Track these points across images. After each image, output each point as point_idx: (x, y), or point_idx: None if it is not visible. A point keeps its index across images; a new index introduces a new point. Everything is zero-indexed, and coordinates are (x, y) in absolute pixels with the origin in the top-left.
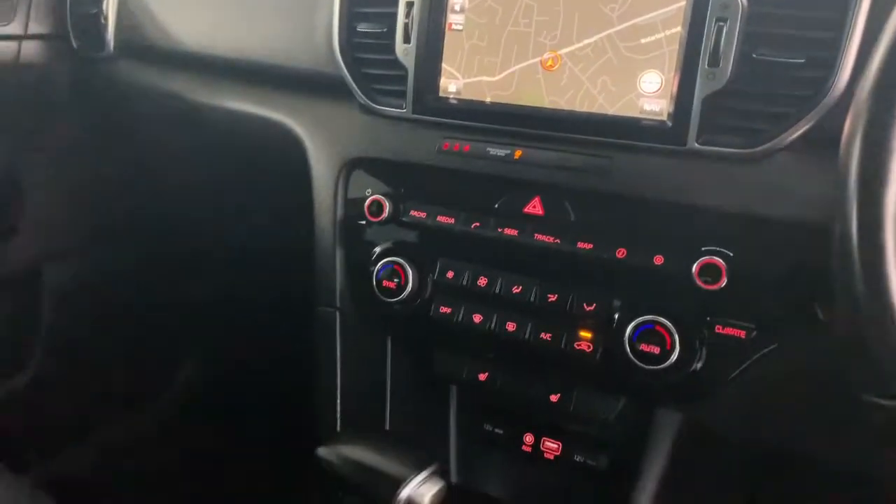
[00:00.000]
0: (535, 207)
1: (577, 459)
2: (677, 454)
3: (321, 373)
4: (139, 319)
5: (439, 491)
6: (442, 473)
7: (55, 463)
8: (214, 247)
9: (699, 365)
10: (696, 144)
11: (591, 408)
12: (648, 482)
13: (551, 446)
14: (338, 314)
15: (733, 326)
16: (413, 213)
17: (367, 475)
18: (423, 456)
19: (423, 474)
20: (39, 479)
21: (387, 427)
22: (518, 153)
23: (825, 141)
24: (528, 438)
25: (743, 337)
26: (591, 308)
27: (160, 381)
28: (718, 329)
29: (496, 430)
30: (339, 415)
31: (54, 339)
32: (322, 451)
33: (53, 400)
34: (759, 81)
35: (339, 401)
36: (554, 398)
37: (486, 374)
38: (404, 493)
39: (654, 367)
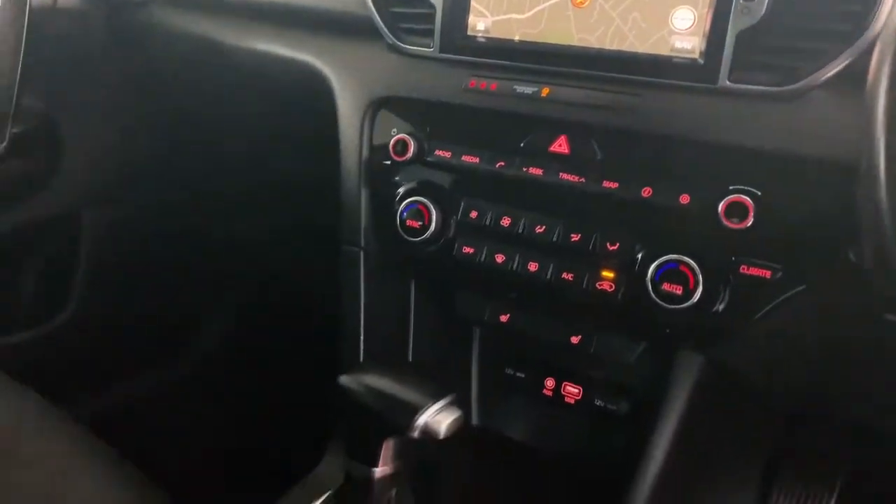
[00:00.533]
0: (560, 146)
1: (598, 404)
2: (698, 398)
3: (345, 310)
4: (173, 262)
5: (456, 419)
6: (459, 403)
7: (93, 400)
8: (245, 190)
9: (722, 306)
10: (728, 83)
11: (611, 350)
12: (668, 427)
13: (572, 391)
14: (362, 253)
15: (759, 266)
16: (438, 152)
17: (385, 402)
18: (441, 386)
19: (441, 403)
20: (79, 414)
21: None
22: (545, 91)
23: (862, 79)
24: (549, 383)
25: (768, 277)
26: (615, 248)
27: (193, 323)
28: (743, 269)
29: (518, 374)
30: (362, 349)
31: (92, 282)
32: (344, 380)
33: (92, 340)
34: (795, 15)
35: (362, 336)
36: (575, 340)
37: (508, 315)
38: (421, 419)
39: (676, 307)
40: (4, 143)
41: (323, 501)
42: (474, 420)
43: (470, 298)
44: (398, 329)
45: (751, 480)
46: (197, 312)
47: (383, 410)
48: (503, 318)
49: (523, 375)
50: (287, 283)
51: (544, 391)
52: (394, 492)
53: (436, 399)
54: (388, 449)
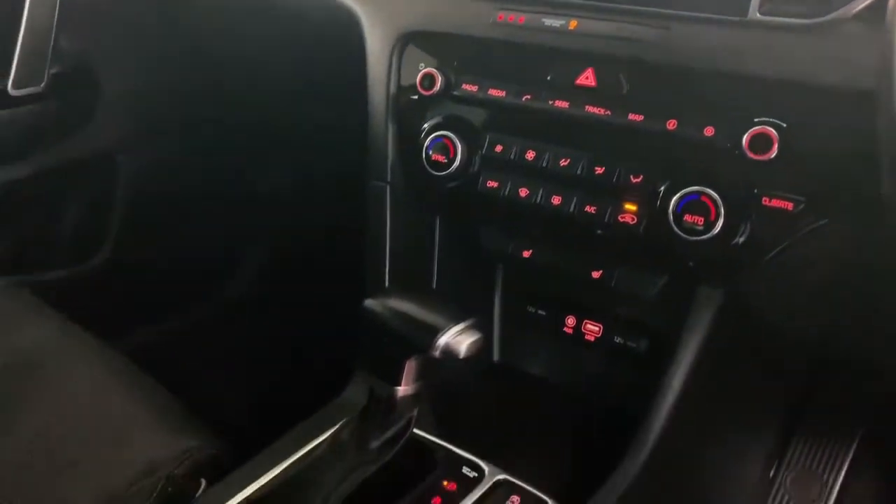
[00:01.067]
0: (587, 79)
1: (618, 341)
2: (715, 335)
3: (371, 243)
4: (206, 206)
5: (475, 341)
6: (479, 327)
7: (128, 336)
8: (276, 135)
9: (743, 238)
10: (759, 15)
11: (631, 284)
12: (683, 362)
13: (592, 329)
14: (388, 188)
15: (781, 199)
16: (465, 86)
17: (408, 323)
18: (462, 310)
19: (462, 325)
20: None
21: None
22: (573, 24)
23: None
24: (570, 321)
25: (791, 209)
26: (638, 180)
27: (225, 265)
28: (765, 201)
29: (539, 312)
30: (387, 279)
31: (127, 224)
32: (368, 303)
33: (127, 280)
34: None
35: (387, 267)
36: (596, 275)
37: (531, 251)
38: (442, 339)
39: (697, 239)
40: (42, 83)
41: (347, 421)
42: (495, 357)
43: (494, 234)
44: (422, 264)
45: (770, 427)
46: (229, 254)
47: (406, 331)
48: (526, 254)
49: (545, 313)
50: (316, 225)
51: (565, 329)
52: (415, 411)
53: (457, 321)
54: (410, 369)
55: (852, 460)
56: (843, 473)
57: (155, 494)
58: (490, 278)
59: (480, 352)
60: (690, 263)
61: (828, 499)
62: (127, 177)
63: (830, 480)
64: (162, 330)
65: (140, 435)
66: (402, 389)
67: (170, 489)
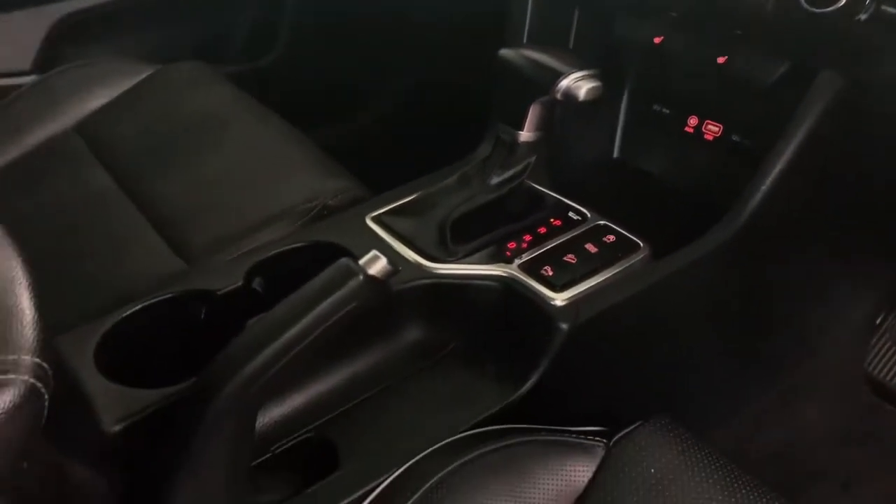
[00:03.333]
0: None
1: (735, 139)
2: (828, 128)
3: (510, 29)
4: (369, 25)
5: (595, 87)
6: (596, 76)
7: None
8: None
9: (867, 14)
10: None
11: (755, 68)
12: (790, 146)
13: (713, 128)
14: None
15: None
16: None
17: (534, 67)
18: (588, 61)
19: (583, 72)
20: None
21: None
22: None
23: None
24: (693, 120)
25: None
26: None
27: (377, 80)
28: None
29: (664, 111)
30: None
31: (296, 29)
32: (503, 52)
33: (295, 80)
34: None
35: (526, 30)
36: (721, 60)
37: (662, 37)
38: (563, 82)
39: (822, 11)
40: None
41: (473, 164)
42: (615, 154)
43: (627, 20)
44: None
45: (882, 273)
46: (385, 72)
47: (531, 73)
48: (657, 40)
49: (669, 111)
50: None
51: (686, 128)
52: (533, 158)
53: (579, 69)
54: (533, 114)
55: None
56: None
57: (311, 215)
58: (620, 73)
59: (599, 99)
60: (813, 43)
61: None
62: None
63: None
64: (321, 134)
65: (305, 175)
66: (524, 135)
67: (324, 213)
